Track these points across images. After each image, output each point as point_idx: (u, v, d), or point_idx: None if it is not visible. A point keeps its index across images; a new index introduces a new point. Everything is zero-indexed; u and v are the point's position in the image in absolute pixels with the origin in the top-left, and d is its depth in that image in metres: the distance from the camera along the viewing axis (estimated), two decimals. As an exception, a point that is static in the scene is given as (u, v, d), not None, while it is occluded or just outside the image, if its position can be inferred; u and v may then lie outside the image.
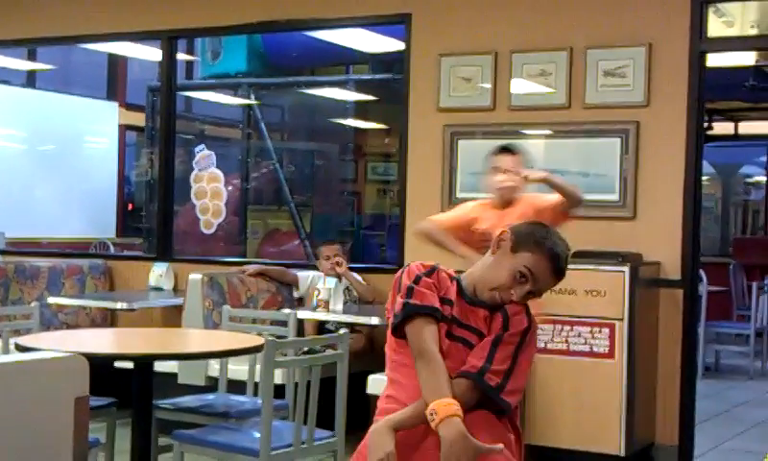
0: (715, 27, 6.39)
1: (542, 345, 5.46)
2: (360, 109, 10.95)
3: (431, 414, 2.55)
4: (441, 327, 2.71)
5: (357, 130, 11.55)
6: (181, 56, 9.48)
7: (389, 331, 2.79)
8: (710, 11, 6.09)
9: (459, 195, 6.40)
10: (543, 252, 2.74)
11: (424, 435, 2.63)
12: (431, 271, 2.77)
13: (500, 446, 2.59)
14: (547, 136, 6.34)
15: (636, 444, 5.66)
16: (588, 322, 5.56)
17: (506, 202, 5.04)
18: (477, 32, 6.44)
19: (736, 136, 14.09)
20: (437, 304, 2.71)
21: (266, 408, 3.86)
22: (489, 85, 6.37)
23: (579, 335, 5.57)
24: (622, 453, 5.51)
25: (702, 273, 7.92)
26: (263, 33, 8.96)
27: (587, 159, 6.14)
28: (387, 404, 2.77)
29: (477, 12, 6.48)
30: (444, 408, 2.54)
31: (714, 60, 6.90)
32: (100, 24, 7.83)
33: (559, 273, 2.77)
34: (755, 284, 9.67)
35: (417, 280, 2.73)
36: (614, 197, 6.03)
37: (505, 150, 5.12)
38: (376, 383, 5.72)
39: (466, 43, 6.47)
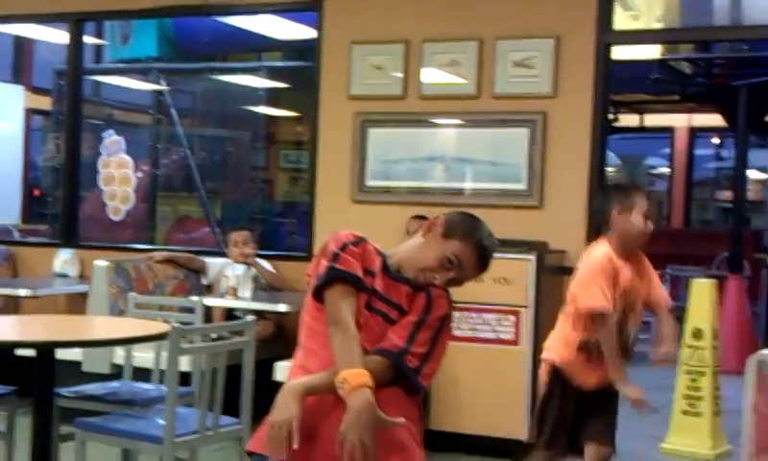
0: (621, 20, 6.54)
1: (450, 332, 5.52)
2: (272, 97, 10.91)
3: (341, 382, 2.56)
4: (361, 298, 2.73)
5: (269, 117, 11.50)
6: (90, 39, 9.30)
7: (308, 296, 2.79)
8: (617, 4, 6.22)
9: (369, 183, 6.43)
10: (472, 243, 2.78)
11: (334, 405, 2.63)
12: (358, 241, 2.79)
13: (401, 419, 2.62)
14: (457, 126, 6.40)
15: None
16: (495, 309, 5.63)
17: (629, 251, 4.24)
18: (389, 20, 6.47)
19: (641, 128, 14.43)
20: (360, 274, 2.72)
21: (170, 395, 3.82)
22: (400, 74, 6.40)
23: (485, 322, 5.64)
24: (525, 438, 5.61)
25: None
26: (174, 17, 8.85)
27: (495, 149, 6.22)
28: (298, 373, 2.77)
29: (389, 0, 6.51)
30: (356, 378, 2.55)
31: (620, 52, 7.05)
32: (5, 5, 7.64)
33: (483, 265, 2.82)
34: (657, 273, 9.90)
35: (343, 248, 2.74)
36: (522, 186, 6.12)
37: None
38: (284, 370, 5.70)
39: (377, 31, 6.49)
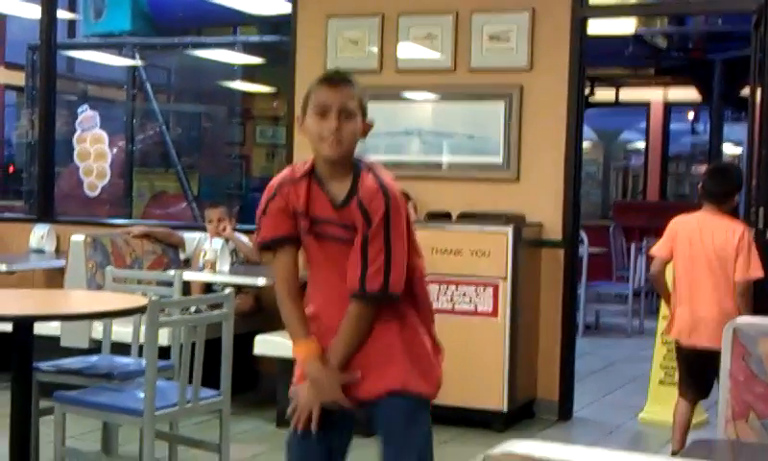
0: (597, -7, 6.54)
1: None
2: (248, 72, 10.86)
3: (294, 359, 2.81)
4: (307, 234, 2.82)
5: (245, 93, 11.46)
6: (63, 14, 9.23)
7: None
8: (593, -22, 6.22)
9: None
10: (313, 85, 2.82)
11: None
12: (274, 193, 2.83)
13: (358, 374, 2.79)
14: (433, 99, 6.40)
15: (518, 400, 5.81)
16: (473, 281, 5.66)
17: None
18: (365, -6, 6.45)
19: (617, 103, 14.47)
20: (280, 232, 2.82)
21: (150, 368, 3.82)
22: (375, 48, 6.39)
23: (464, 294, 5.67)
24: (505, 409, 5.65)
25: (582, 234, 8.15)
26: (148, -9, 8.79)
27: (472, 122, 6.23)
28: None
29: (365, -27, 6.50)
30: (302, 351, 2.81)
31: (596, 27, 7.07)
32: (-24, -22, 7.57)
33: (327, 79, 2.82)
34: (633, 246, 9.98)
35: (264, 210, 2.84)
36: (498, 160, 6.14)
37: None
38: (264, 344, 5.73)
39: (353, 5, 6.47)
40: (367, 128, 2.83)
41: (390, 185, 2.78)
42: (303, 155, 6.87)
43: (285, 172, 2.88)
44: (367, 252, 2.74)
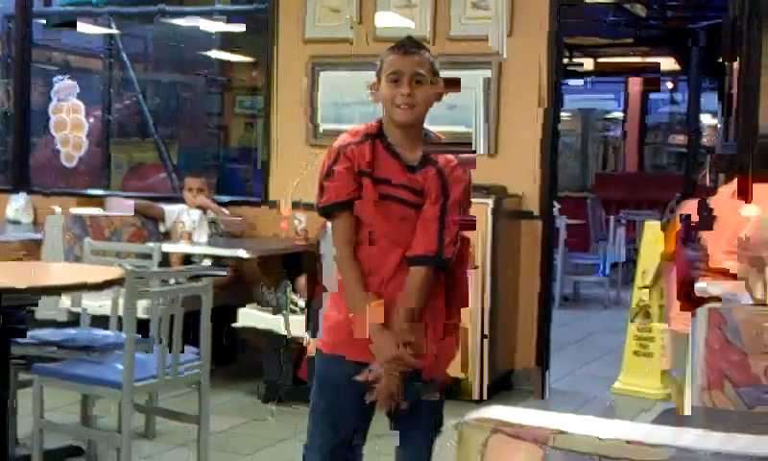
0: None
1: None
2: (226, 41, 10.76)
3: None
4: (369, 193, 2.84)
5: (224, 62, 11.37)
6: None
7: None
8: (571, -54, 6.21)
9: (324, 127, 6.41)
10: (386, 53, 2.91)
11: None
12: (338, 155, 2.88)
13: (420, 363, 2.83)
14: (412, 69, 6.37)
15: (497, 370, 5.83)
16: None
17: None
18: (343, -37, 6.41)
19: (596, 73, 14.45)
20: (345, 195, 2.85)
21: (129, 339, 3.82)
22: (354, 17, 6.36)
23: (442, 265, 5.67)
24: (485, 381, 5.67)
25: (558, 206, 8.17)
26: (124, -40, 8.70)
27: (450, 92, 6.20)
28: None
29: (343, -58, 6.45)
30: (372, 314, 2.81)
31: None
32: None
33: (400, 47, 2.89)
34: (612, 218, 10.02)
35: (328, 173, 2.89)
36: (477, 130, 6.13)
37: None
38: (246, 317, 5.72)
39: (332, -26, 6.43)
40: (440, 94, 2.90)
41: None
42: (283, 125, 6.87)
43: (344, 136, 2.94)
44: (445, 220, 2.83)
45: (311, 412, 3.03)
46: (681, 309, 4.13)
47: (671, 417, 3.29)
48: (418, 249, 2.83)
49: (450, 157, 2.87)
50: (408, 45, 2.87)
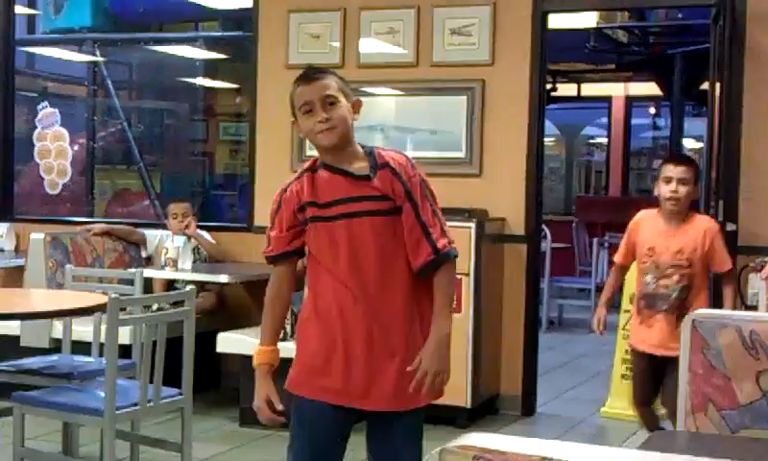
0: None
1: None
2: (210, 68, 10.78)
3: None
4: (322, 222, 2.82)
5: (208, 89, 11.37)
6: (22, 9, 9.12)
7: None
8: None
9: (309, 153, 6.40)
10: (293, 89, 2.87)
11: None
12: (279, 203, 2.90)
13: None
14: (396, 94, 6.40)
15: (481, 395, 5.82)
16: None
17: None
18: (326, -11, 6.43)
19: (579, 98, 14.54)
20: (289, 247, 2.89)
21: (110, 366, 3.79)
22: (337, 43, 6.38)
23: (427, 290, 5.66)
24: (468, 405, 5.66)
25: (545, 229, 8.19)
26: (108, -14, 8.71)
27: (434, 117, 6.24)
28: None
29: (326, -31, 6.47)
30: (257, 357, 2.95)
31: (557, 21, 7.09)
32: (-68, -26, 7.46)
33: (303, 77, 2.87)
34: (596, 241, 10.03)
35: (272, 223, 2.92)
36: (461, 154, 6.14)
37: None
38: (226, 342, 5.68)
39: (314, 0, 6.45)
40: (356, 106, 2.89)
41: (408, 157, 2.89)
42: (267, 151, 6.87)
43: (286, 182, 2.94)
44: (421, 218, 2.80)
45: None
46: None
47: (661, 441, 3.28)
48: (419, 259, 2.80)
49: (395, 154, 2.85)
50: (310, 73, 2.86)
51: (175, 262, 5.84)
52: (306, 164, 2.91)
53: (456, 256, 2.87)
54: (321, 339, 2.83)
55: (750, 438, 2.97)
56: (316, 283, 2.88)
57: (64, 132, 7.64)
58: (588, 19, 9.83)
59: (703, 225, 4.46)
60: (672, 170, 4.41)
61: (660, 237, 4.43)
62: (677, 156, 5.07)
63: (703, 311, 3.34)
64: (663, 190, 4.41)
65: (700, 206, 5.86)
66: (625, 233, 4.64)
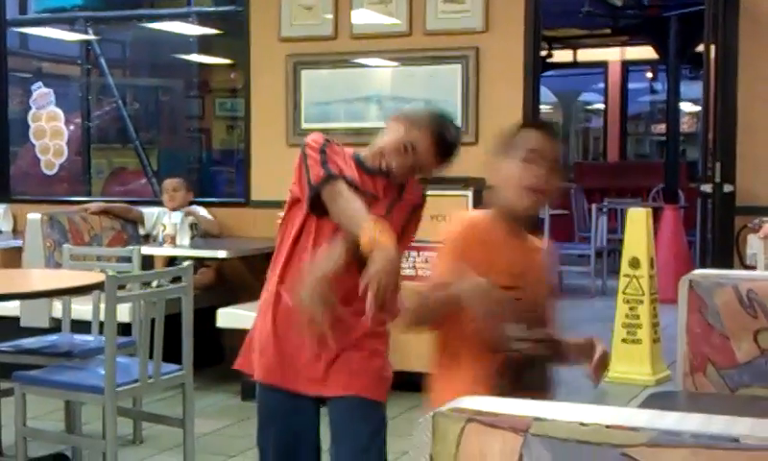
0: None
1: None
2: (204, 44, 10.73)
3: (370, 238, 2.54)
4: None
5: (202, 65, 11.33)
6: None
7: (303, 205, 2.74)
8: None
9: (304, 126, 6.39)
10: (431, 131, 2.75)
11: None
12: (324, 145, 2.73)
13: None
14: (390, 64, 6.37)
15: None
16: (434, 247, 5.62)
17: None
18: (318, -40, 6.39)
19: (575, 64, 14.49)
20: (345, 172, 2.68)
21: (110, 344, 3.79)
22: (330, 15, 6.34)
23: (426, 260, 5.66)
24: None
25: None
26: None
27: (429, 86, 6.21)
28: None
29: (317, -60, 6.43)
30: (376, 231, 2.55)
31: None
32: None
33: (442, 154, 2.78)
34: (594, 207, 10.02)
35: (324, 147, 2.70)
36: (457, 123, 6.11)
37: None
38: (226, 317, 5.69)
39: (306, -28, 6.41)
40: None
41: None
42: (263, 125, 6.84)
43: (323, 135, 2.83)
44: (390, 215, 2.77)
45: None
46: None
47: (659, 401, 3.29)
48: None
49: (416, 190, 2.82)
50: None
51: (173, 239, 5.84)
52: (349, 150, 2.80)
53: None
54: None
55: (749, 396, 2.98)
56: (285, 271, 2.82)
57: (59, 112, 7.62)
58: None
59: None
60: None
61: None
62: None
63: (699, 271, 3.33)
64: None
65: (698, 169, 5.85)
66: None
